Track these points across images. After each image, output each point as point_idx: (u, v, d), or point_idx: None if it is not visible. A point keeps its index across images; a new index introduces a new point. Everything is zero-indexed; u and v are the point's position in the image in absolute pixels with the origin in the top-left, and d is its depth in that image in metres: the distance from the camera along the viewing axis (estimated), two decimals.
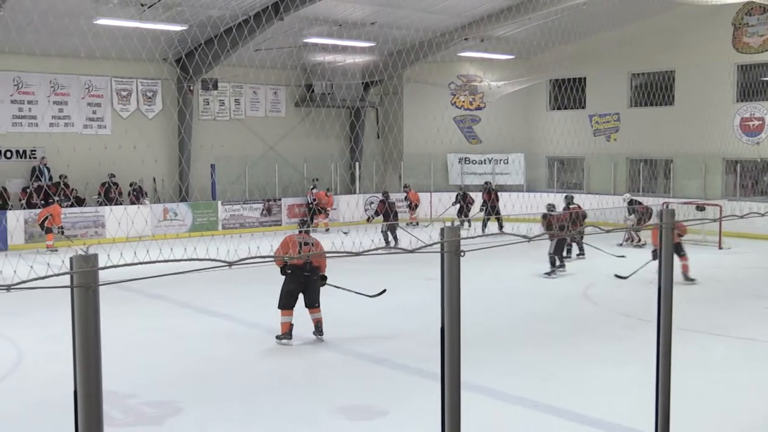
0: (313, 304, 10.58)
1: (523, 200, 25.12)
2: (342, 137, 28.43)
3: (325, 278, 10.56)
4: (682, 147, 24.65)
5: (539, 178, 28.84)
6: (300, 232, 11.04)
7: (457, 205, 24.74)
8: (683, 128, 24.53)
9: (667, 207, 5.00)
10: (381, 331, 11.35)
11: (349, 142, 28.49)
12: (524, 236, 4.28)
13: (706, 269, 16.66)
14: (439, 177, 28.62)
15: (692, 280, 14.82)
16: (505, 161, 28.75)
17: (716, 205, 20.05)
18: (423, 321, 11.72)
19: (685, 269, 14.90)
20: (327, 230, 23.90)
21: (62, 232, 20.20)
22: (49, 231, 19.98)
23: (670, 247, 4.87)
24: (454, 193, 26.28)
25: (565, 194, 20.33)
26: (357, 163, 27.53)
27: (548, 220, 16.31)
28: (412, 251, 3.59)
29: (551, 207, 17.17)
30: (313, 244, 10.69)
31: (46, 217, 19.89)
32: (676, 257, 17.19)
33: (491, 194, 23.64)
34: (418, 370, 9.12)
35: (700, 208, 20.07)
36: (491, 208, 22.82)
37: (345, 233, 20.22)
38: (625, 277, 14.91)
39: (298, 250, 10.39)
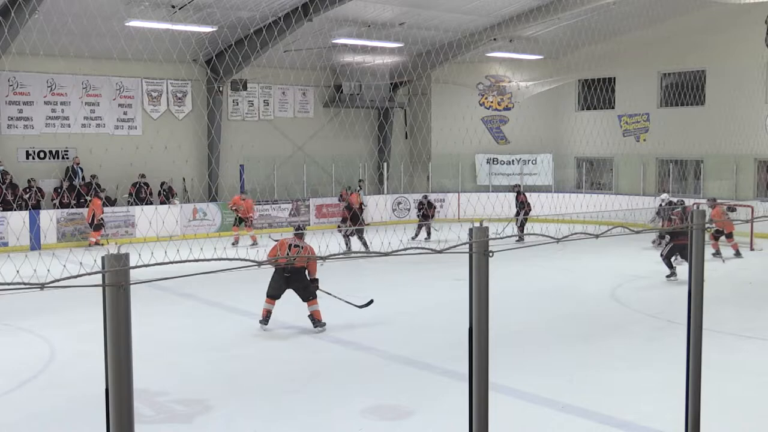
0: (306, 298, 11.22)
1: (551, 201, 25.00)
2: (370, 138, 28.46)
3: (315, 281, 11.22)
4: (712, 147, 24.38)
5: (567, 179, 28.68)
6: (295, 235, 11.63)
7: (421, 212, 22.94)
8: (714, 128, 24.26)
9: (698, 208, 4.95)
10: (410, 331, 11.34)
11: (378, 143, 28.52)
12: (553, 237, 4.25)
13: (738, 270, 16.48)
14: (467, 178, 28.55)
15: (741, 255, 17.14)
16: (534, 162, 28.62)
17: (748, 206, 19.81)
18: (452, 321, 11.70)
19: (735, 247, 17.31)
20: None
21: (102, 225, 20.69)
22: (98, 227, 20.52)
23: (701, 248, 4.82)
24: (482, 194, 26.18)
25: (669, 199, 20.33)
26: (385, 164, 27.55)
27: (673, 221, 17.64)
28: (440, 251, 3.59)
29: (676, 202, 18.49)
30: (302, 248, 11.22)
31: (93, 214, 20.43)
32: (725, 240, 17.37)
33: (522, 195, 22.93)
34: (446, 370, 9.11)
35: (732, 209, 19.84)
36: (525, 211, 22.09)
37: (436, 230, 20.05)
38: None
39: (287, 252, 11.18)
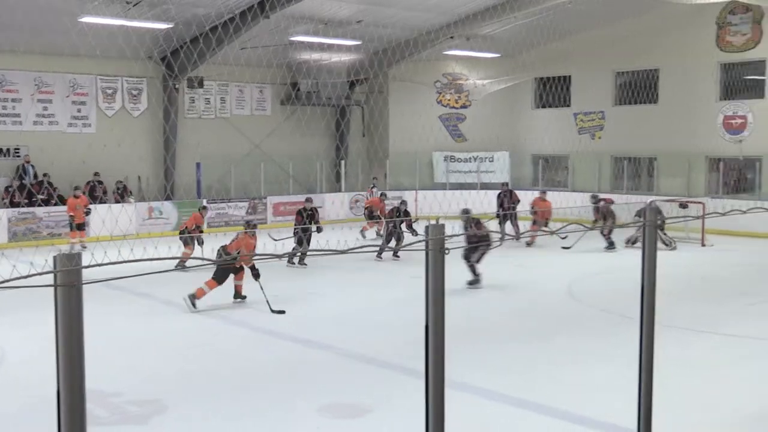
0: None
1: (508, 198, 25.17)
2: (328, 135, 28.42)
3: (256, 274, 12.36)
4: (665, 145, 24.79)
5: (524, 177, 28.92)
6: (245, 232, 12.78)
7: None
8: (667, 126, 24.67)
9: (650, 204, 5.04)
10: (368, 329, 11.36)
11: (335, 141, 28.47)
12: (510, 234, 4.29)
13: (690, 266, 16.77)
14: (425, 175, 28.65)
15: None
16: (491, 159, 28.81)
17: (699, 202, 20.17)
18: (409, 319, 11.73)
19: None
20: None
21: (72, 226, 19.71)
22: (81, 227, 19.69)
23: (653, 244, 4.89)
24: (439, 191, 26.32)
25: (590, 194, 20.47)
26: (343, 162, 27.52)
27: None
28: (396, 249, 3.59)
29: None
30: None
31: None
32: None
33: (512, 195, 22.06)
34: (404, 368, 9.13)
35: (684, 205, 20.18)
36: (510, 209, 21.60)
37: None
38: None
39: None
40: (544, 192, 21.54)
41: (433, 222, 3.71)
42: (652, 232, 4.84)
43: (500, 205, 21.19)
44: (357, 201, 26.73)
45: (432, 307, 3.59)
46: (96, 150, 21.70)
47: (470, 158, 28.97)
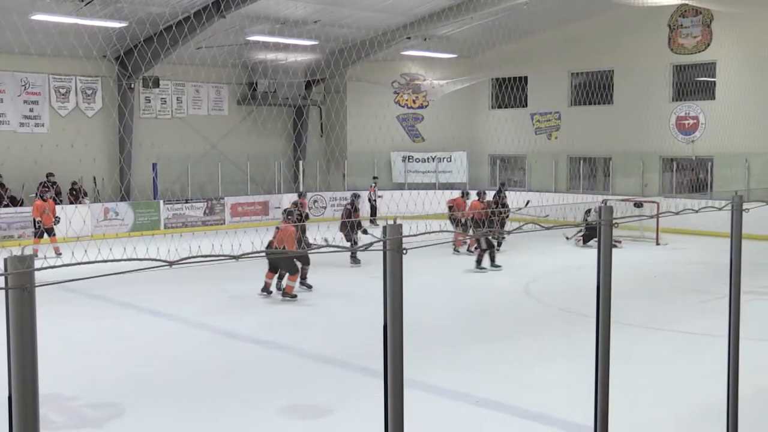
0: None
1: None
2: (285, 136, 28.30)
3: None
4: (620, 145, 25.12)
5: (482, 177, 29.10)
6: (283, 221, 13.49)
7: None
8: (622, 127, 25.00)
9: (605, 204, 5.10)
10: (326, 329, 11.34)
11: (292, 141, 28.38)
12: (467, 234, 4.31)
13: (645, 265, 17.02)
14: (383, 175, 28.68)
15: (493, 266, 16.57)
16: (449, 159, 28.95)
17: (653, 202, 20.49)
18: (368, 319, 11.73)
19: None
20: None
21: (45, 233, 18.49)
22: (50, 232, 18.38)
23: (609, 243, 4.95)
24: (396, 191, 26.37)
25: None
26: (300, 162, 27.43)
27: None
28: (355, 249, 3.59)
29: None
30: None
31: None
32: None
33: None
34: (363, 368, 9.13)
35: (638, 204, 20.46)
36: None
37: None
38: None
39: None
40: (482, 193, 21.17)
41: (390, 222, 3.72)
42: (607, 231, 4.89)
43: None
44: (316, 201, 26.66)
45: (390, 307, 3.59)
46: (49, 150, 21.35)
47: (428, 158, 29.08)
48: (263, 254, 10.36)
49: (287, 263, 13.07)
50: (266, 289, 13.37)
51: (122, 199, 23.19)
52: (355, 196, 19.18)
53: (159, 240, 20.79)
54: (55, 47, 16.80)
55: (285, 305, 12.97)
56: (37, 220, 18.52)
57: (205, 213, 24.35)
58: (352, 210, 17.87)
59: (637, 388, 8.18)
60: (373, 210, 24.75)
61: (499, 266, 16.38)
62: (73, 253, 8.39)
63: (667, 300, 13.35)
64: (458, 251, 18.30)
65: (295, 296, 13.16)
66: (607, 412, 4.87)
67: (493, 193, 22.08)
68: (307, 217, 16.75)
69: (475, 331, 11.23)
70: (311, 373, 9.24)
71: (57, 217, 18.75)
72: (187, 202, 24.11)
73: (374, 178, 26.75)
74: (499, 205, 20.58)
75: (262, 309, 12.74)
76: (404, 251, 3.45)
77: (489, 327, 11.46)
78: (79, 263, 3.18)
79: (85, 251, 10.45)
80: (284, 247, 12.65)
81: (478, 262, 16.28)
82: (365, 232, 16.42)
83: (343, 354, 9.85)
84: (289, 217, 13.55)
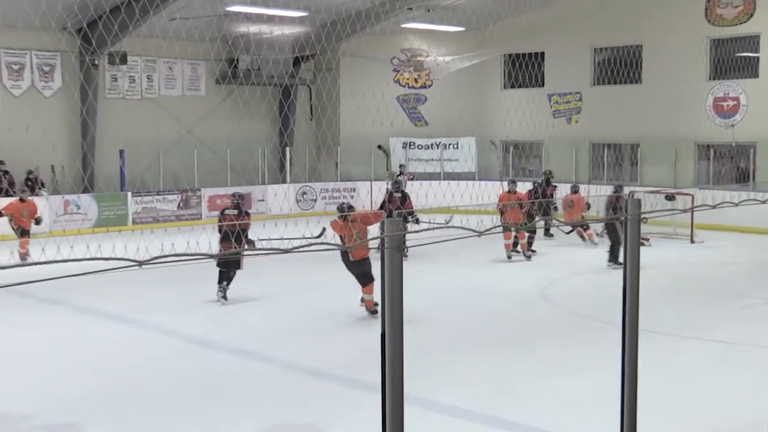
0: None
1: (474, 190, 25.29)
2: (270, 119, 28.28)
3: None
4: (650, 130, 25.07)
5: (492, 165, 29.08)
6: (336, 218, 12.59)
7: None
8: (651, 109, 24.95)
9: (632, 196, 5.10)
10: (314, 338, 11.32)
11: (278, 125, 28.35)
12: (475, 230, 4.30)
13: (677, 266, 17.02)
14: (381, 164, 28.66)
15: (528, 256, 17.68)
16: (455, 146, 28.94)
17: (687, 194, 20.45)
18: (362, 325, 11.78)
19: (524, 247, 17.82)
20: None
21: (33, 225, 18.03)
22: (24, 233, 17.84)
23: (636, 241, 4.95)
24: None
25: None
26: (287, 149, 27.42)
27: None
28: (347, 247, 3.58)
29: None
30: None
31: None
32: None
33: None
34: (356, 381, 9.12)
35: (670, 197, 20.42)
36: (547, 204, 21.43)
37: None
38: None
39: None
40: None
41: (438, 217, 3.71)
42: (634, 227, 4.89)
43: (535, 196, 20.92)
44: (305, 193, 26.67)
45: (389, 314, 3.58)
46: (0, 134, 21.30)
47: (432, 145, 29.07)
48: (240, 254, 10.23)
49: (360, 271, 12.21)
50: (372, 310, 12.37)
51: (85, 191, 23.16)
52: (397, 182, 19.54)
53: (127, 237, 20.71)
54: (6, 17, 16.75)
55: (267, 310, 12.95)
56: (13, 224, 17.97)
57: (179, 206, 24.34)
58: (399, 198, 18.07)
59: (668, 405, 8.18)
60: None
61: (533, 252, 17.99)
62: (28, 251, 8.37)
63: (703, 305, 13.35)
64: (518, 251, 18.02)
65: (376, 311, 12.14)
66: (635, 429, 4.87)
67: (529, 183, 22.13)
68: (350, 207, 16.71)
69: (485, 340, 11.21)
70: (296, 387, 9.23)
71: (38, 217, 18.18)
72: (158, 194, 24.10)
73: (401, 166, 26.51)
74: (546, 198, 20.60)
75: (242, 315, 12.73)
76: (405, 250, 3.44)
77: (500, 335, 11.45)
78: (35, 263, 3.17)
79: (43, 250, 10.47)
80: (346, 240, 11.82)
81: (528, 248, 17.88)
82: (418, 221, 16.70)
83: (333, 365, 9.83)
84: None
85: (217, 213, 23.67)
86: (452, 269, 16.34)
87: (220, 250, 12.51)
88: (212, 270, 12.88)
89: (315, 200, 27.04)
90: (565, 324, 12.21)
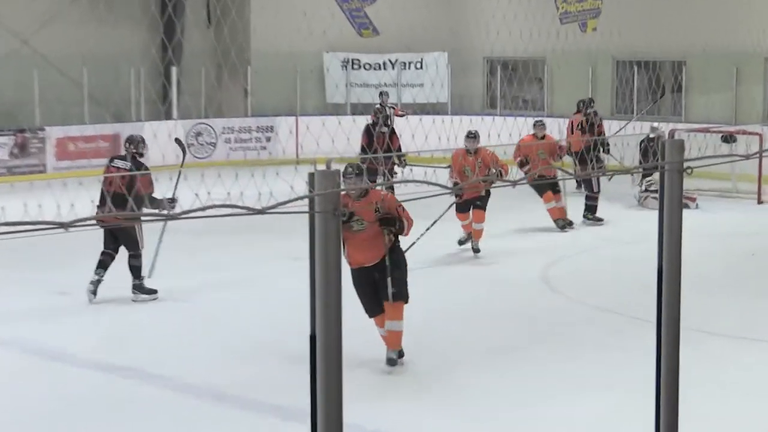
0: None
1: (448, 128, 25.32)
2: (146, 26, 27.89)
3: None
4: (699, 41, 25.18)
5: (473, 94, 29.08)
6: None
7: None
8: (701, 13, 25.06)
9: (672, 137, 5.15)
10: (221, 347, 11.33)
11: (159, 35, 28.02)
12: (447, 187, 4.33)
13: (736, 237, 17.16)
14: (311, 92, 28.56)
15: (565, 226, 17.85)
16: (418, 65, 28.92)
17: (753, 133, 20.54)
18: (288, 327, 11.74)
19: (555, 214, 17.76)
20: None
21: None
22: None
23: (677, 202, 4.99)
24: (332, 119, 26.33)
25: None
26: (172, 69, 27.13)
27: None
28: (262, 211, 3.59)
29: None
30: None
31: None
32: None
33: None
34: (279, 408, 9.19)
35: (728, 138, 20.54)
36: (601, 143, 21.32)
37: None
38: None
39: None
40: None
41: (321, 167, 3.72)
42: (675, 180, 4.93)
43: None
44: (199, 134, 26.52)
45: (322, 307, 3.60)
46: None
47: (384, 63, 29.02)
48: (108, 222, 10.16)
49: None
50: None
51: None
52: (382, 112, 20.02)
53: None
54: None
55: (152, 308, 12.93)
56: None
57: (12, 154, 24.12)
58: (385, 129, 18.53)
59: (719, 428, 8.33)
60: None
61: (600, 219, 18.64)
62: None
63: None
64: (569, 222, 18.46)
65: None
66: None
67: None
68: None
69: (469, 346, 11.31)
70: (192, 417, 9.28)
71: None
72: None
73: (382, 94, 26.20)
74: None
75: (111, 314, 12.70)
76: (343, 212, 3.46)
77: (492, 339, 11.51)
78: None
79: None
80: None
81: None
82: (405, 164, 16.73)
83: (248, 385, 9.88)
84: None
85: (68, 164, 23.32)
86: (426, 246, 16.27)
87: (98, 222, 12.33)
88: (65, 248, 12.83)
89: (214, 144, 26.90)
90: (578, 320, 12.35)
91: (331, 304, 3.60)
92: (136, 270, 13.19)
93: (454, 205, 15.57)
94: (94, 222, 13.39)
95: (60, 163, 24.67)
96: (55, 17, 26.35)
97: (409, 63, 28.98)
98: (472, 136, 16.88)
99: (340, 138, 23.13)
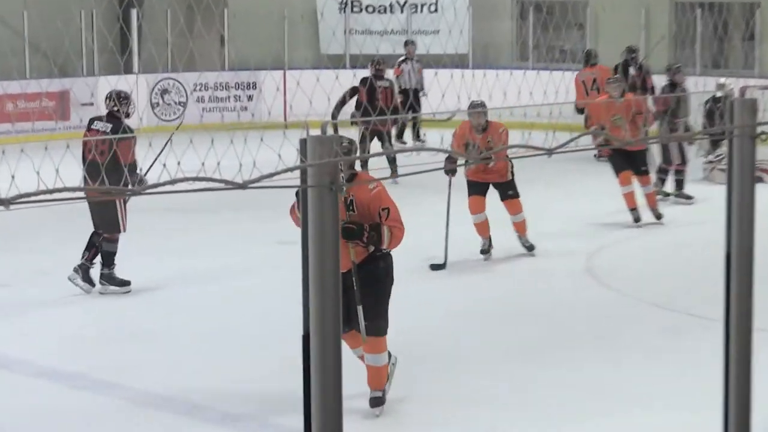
0: None
1: (469, 84, 25.34)
2: None
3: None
4: None
5: (500, 42, 29.12)
6: None
7: None
8: None
9: (743, 95, 5.16)
10: (195, 348, 11.39)
11: None
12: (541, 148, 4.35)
13: None
14: (301, 41, 28.61)
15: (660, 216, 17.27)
16: (432, 7, 28.92)
17: None
18: (275, 323, 11.79)
19: (651, 201, 17.14)
20: None
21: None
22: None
23: (749, 173, 4.98)
24: (329, 72, 26.37)
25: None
26: (133, 12, 27.15)
27: None
28: (242, 186, 3.60)
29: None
30: None
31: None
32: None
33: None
34: (266, 425, 9.22)
35: None
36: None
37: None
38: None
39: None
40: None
41: (315, 131, 3.73)
42: (746, 148, 4.93)
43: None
44: (166, 92, 26.54)
45: (316, 300, 3.62)
46: None
47: (391, 5, 29.02)
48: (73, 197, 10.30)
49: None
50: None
51: None
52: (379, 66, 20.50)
53: None
54: None
55: (107, 302, 12.97)
56: None
57: None
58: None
59: None
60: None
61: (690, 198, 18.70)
62: None
63: None
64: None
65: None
66: None
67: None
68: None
69: (505, 346, 11.38)
70: (136, 426, 9.37)
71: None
72: None
73: (407, 43, 26.14)
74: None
75: (69, 311, 12.76)
76: (342, 189, 3.47)
77: (524, 341, 11.56)
78: None
79: None
80: None
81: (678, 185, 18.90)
82: (400, 136, 16.73)
83: (226, 395, 9.96)
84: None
85: (6, 128, 23.48)
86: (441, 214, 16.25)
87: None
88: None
89: (184, 104, 26.92)
90: (632, 319, 12.37)
91: (328, 297, 3.61)
92: (108, 257, 13.12)
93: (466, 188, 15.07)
94: (36, 200, 13.44)
95: (13, 126, 24.70)
96: None
97: (422, 5, 29.01)
98: (479, 105, 15.27)
99: (338, 96, 23.35)
